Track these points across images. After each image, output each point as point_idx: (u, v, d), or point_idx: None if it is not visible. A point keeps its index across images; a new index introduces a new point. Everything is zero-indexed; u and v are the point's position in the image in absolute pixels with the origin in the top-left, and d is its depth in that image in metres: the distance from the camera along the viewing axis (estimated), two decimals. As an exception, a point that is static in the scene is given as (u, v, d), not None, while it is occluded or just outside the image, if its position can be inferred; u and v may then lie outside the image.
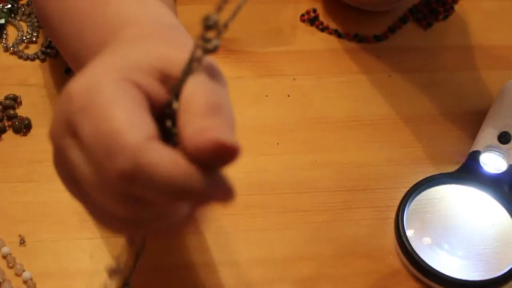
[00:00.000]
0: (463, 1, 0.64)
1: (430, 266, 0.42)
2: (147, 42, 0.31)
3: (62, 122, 0.28)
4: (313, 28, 0.60)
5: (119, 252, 0.35)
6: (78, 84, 0.27)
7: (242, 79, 0.56)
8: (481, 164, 0.47)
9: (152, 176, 0.25)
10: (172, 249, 0.44)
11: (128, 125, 0.26)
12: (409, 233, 0.43)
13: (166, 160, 0.25)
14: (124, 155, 0.25)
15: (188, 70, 0.27)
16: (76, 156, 0.27)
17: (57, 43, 0.46)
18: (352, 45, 0.58)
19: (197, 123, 0.26)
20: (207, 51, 0.27)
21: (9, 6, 0.60)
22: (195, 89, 0.27)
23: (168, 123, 0.28)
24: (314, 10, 0.61)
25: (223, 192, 0.26)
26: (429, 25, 0.61)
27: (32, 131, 0.51)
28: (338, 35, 0.59)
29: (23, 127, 0.51)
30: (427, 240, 0.44)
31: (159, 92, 0.28)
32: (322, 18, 0.61)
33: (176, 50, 0.29)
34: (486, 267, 0.43)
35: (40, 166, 0.48)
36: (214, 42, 0.26)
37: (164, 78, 0.28)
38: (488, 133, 0.49)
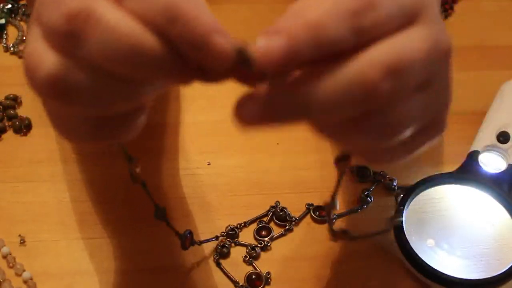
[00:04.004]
0: (463, 1, 0.64)
1: (430, 266, 0.42)
2: None
3: None
4: (313, 28, 0.60)
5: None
6: None
7: (242, 79, 0.55)
8: (481, 164, 0.47)
9: (95, 27, 0.23)
10: (172, 250, 0.44)
11: None
12: (409, 233, 0.43)
13: (113, 16, 0.23)
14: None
15: None
16: None
17: None
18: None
19: None
20: None
21: (9, 6, 0.60)
22: None
23: None
24: (314, 10, 0.61)
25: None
26: (429, 25, 0.61)
27: (32, 131, 0.51)
28: (338, 35, 0.59)
29: (23, 127, 0.51)
30: (426, 240, 0.44)
31: None
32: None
33: None
34: (486, 267, 0.43)
35: (40, 166, 0.48)
36: None
37: None
38: (487, 133, 0.49)
